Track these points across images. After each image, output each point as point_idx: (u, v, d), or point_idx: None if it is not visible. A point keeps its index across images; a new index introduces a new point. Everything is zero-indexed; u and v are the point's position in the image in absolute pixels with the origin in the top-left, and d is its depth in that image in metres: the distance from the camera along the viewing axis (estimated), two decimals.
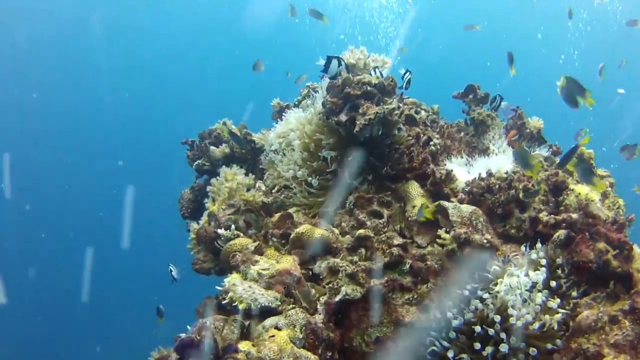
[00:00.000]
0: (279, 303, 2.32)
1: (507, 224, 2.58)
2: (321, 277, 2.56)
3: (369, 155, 2.90)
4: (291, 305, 2.33)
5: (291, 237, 2.62)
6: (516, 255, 2.43)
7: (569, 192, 2.60)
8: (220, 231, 2.74)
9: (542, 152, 3.30)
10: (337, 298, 2.40)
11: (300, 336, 2.19)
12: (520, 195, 2.53)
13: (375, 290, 2.43)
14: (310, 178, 2.92)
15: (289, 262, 2.53)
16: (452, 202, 2.87)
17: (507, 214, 2.58)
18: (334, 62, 2.98)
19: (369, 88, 2.83)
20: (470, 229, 2.48)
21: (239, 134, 3.77)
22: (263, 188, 3.32)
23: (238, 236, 2.75)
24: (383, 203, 2.80)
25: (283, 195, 3.15)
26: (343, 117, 2.84)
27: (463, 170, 3.07)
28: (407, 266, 2.49)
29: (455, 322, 2.28)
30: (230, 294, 2.31)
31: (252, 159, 3.97)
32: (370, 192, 2.85)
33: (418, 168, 3.00)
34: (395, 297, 2.45)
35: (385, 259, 2.50)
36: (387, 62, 3.69)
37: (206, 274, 3.11)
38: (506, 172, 2.72)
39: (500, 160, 3.02)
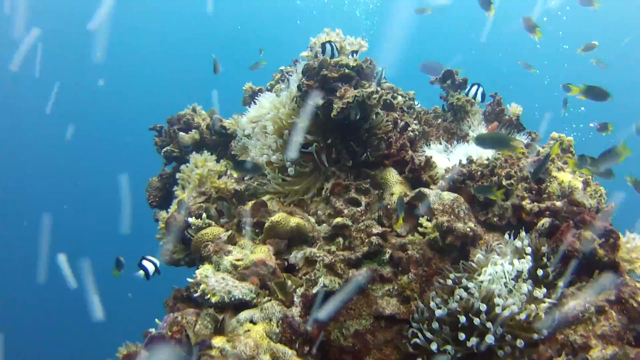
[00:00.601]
0: (254, 295, 2.19)
1: (489, 212, 2.51)
2: (297, 267, 2.45)
3: (348, 141, 2.78)
4: (267, 298, 2.20)
5: (266, 226, 2.49)
6: (500, 244, 2.37)
7: (551, 180, 2.54)
8: (191, 220, 2.58)
9: (521, 139, 3.24)
10: (315, 290, 2.28)
11: (277, 330, 2.07)
12: (504, 182, 2.46)
13: (354, 282, 2.33)
14: (288, 163, 2.79)
15: (263, 253, 2.40)
16: (432, 189, 2.79)
17: (489, 201, 2.51)
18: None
19: (346, 70, 2.71)
20: (452, 217, 2.40)
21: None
22: (235, 175, 3.17)
23: (209, 225, 2.61)
24: (361, 190, 2.69)
25: (256, 183, 3.00)
26: (319, 101, 2.71)
27: (442, 157, 2.99)
28: (387, 256, 2.39)
29: (439, 312, 2.19)
30: (202, 287, 2.17)
31: (223, 146, 3.81)
32: (347, 179, 2.74)
33: (396, 154, 2.90)
34: (375, 288, 2.35)
35: (364, 249, 2.40)
36: (364, 45, 3.57)
37: (175, 265, 2.95)
38: (487, 159, 2.64)
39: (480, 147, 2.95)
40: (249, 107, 3.47)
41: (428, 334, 2.22)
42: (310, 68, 2.78)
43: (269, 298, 2.21)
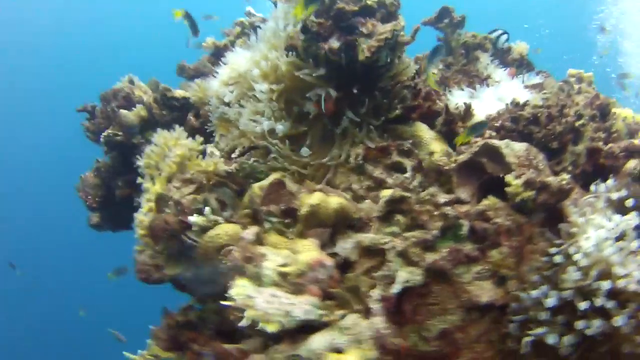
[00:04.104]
0: (322, 311, 1.56)
1: (562, 159, 2.09)
2: (352, 261, 1.84)
3: (371, 92, 2.19)
4: (341, 312, 1.58)
5: (302, 212, 1.84)
6: (590, 197, 1.95)
7: (615, 116, 2.18)
8: (193, 218, 1.85)
9: (532, 78, 2.88)
10: (396, 288, 1.70)
11: (374, 356, 1.47)
12: (576, 123, 2.04)
13: (437, 268, 1.79)
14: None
15: (311, 249, 1.76)
16: (471, 142, 2.31)
17: (562, 147, 2.08)
18: None
19: (368, 2, 2.09)
20: (531, 170, 1.93)
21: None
22: (217, 153, 2.43)
23: (217, 222, 1.89)
24: (403, 152, 2.13)
25: (253, 159, 2.30)
26: (335, 43, 2.08)
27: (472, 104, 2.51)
28: (465, 229, 1.87)
29: (549, 302, 1.73)
30: (249, 313, 1.49)
31: (178, 121, 3.00)
32: (382, 139, 2.16)
33: (422, 105, 2.37)
34: (459, 272, 1.83)
35: (437, 224, 1.85)
36: None
37: (158, 283, 2.19)
38: (542, 99, 2.21)
39: (511, 88, 2.52)
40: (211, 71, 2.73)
41: (538, 330, 1.76)
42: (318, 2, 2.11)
43: (344, 311, 1.59)
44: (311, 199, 1.85)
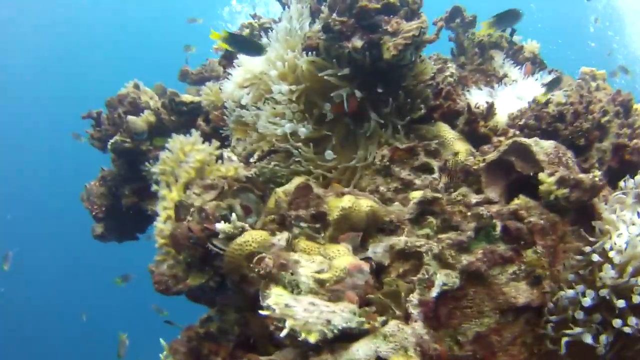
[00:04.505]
0: (361, 319, 1.50)
1: (588, 156, 2.06)
2: (384, 265, 1.79)
3: (394, 91, 2.14)
4: (382, 318, 1.53)
5: (335, 216, 1.78)
6: (619, 194, 1.93)
7: (638, 112, 2.17)
8: (220, 226, 1.78)
9: (546, 77, 2.86)
10: (435, 292, 1.65)
11: None
12: (602, 120, 2.02)
13: (473, 270, 1.74)
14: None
15: (346, 254, 1.70)
16: (494, 141, 2.29)
17: (588, 144, 2.06)
18: None
19: (391, 0, 2.05)
20: (561, 167, 1.90)
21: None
22: (234, 158, 2.37)
23: (243, 229, 1.82)
24: (430, 152, 2.09)
25: (273, 164, 2.25)
26: (358, 42, 2.03)
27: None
28: (498, 229, 1.83)
29: (586, 301, 1.70)
30: (290, 323, 1.42)
31: (185, 127, 2.94)
32: (408, 140, 2.12)
33: (443, 105, 2.33)
34: (495, 273, 1.78)
35: (470, 225, 1.81)
36: None
37: (178, 294, 2.11)
38: (565, 96, 2.19)
39: (529, 86, 2.50)
40: (223, 74, 2.67)
41: (574, 329, 1.73)
42: (339, 1, 2.07)
43: (384, 317, 1.53)
44: (342, 202, 1.79)
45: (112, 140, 2.79)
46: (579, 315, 1.74)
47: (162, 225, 1.99)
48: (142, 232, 3.36)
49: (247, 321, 2.08)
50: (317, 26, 2.33)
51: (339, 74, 2.02)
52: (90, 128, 3.01)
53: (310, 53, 2.19)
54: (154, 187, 2.23)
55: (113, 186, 2.96)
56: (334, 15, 2.04)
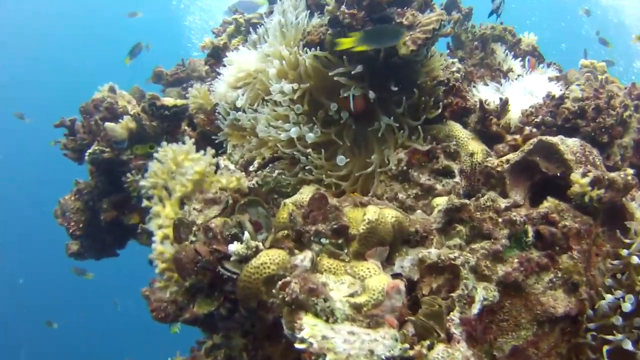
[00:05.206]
0: (405, 345, 1.35)
1: (611, 153, 1.98)
2: (415, 280, 1.64)
3: (410, 89, 1.99)
4: (427, 342, 1.38)
5: (361, 231, 1.61)
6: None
7: None
8: (233, 247, 1.58)
9: (546, 70, 2.78)
10: (477, 309, 1.52)
11: None
12: (625, 114, 1.93)
13: (511, 281, 1.62)
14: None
15: (378, 273, 1.54)
16: (508, 140, 2.18)
17: (611, 141, 1.97)
18: None
19: None
20: (591, 167, 1.80)
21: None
22: (231, 167, 2.16)
23: (257, 249, 1.63)
24: (449, 155, 1.95)
25: (277, 172, 2.06)
26: None
27: (497, 98, 2.37)
28: (531, 235, 1.71)
29: (626, 307, 1.62)
30: (330, 357, 1.25)
31: (168, 133, 2.71)
32: (425, 142, 1.97)
33: (453, 102, 2.21)
34: (531, 282, 1.67)
35: (503, 232, 1.69)
36: None
37: (185, 323, 1.91)
38: (582, 90, 2.09)
39: (537, 81, 2.40)
40: (210, 74, 2.45)
41: (616, 336, 1.63)
42: None
43: (429, 342, 1.38)
44: (367, 214, 1.63)
45: (89, 150, 2.52)
46: (618, 321, 1.65)
47: (161, 246, 1.77)
48: (122, 247, 3.10)
49: (256, 347, 1.90)
50: (317, 20, 2.16)
51: (352, 72, 1.85)
52: (64, 137, 2.72)
53: (311, 49, 2.01)
54: (145, 203, 2.00)
55: (90, 200, 2.69)
56: (343, 7, 1.87)
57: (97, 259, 3.00)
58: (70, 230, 2.67)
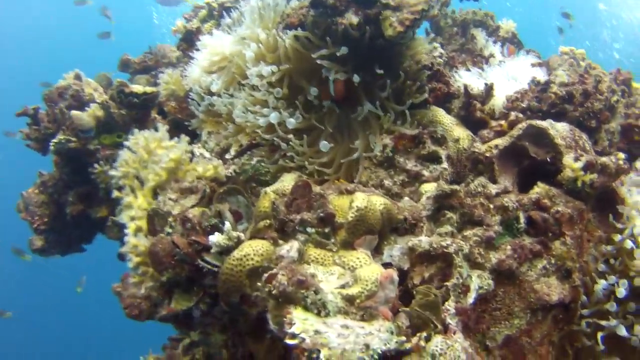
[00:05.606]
0: (401, 338, 1.28)
1: (598, 138, 1.95)
2: (405, 270, 1.57)
3: (396, 73, 1.91)
4: (424, 334, 1.31)
5: (350, 219, 1.53)
6: (635, 176, 1.83)
7: (638, 91, 2.09)
8: (214, 238, 1.47)
9: (526, 58, 2.75)
10: (472, 298, 1.46)
11: None
12: (612, 99, 1.91)
13: (504, 268, 1.57)
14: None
15: (369, 262, 1.46)
16: (493, 125, 2.14)
17: (598, 126, 1.94)
18: None
19: None
20: (581, 152, 1.77)
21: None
22: (207, 155, 2.05)
23: (240, 240, 1.53)
24: (436, 140, 1.89)
25: (256, 159, 1.96)
26: (353, 18, 1.78)
27: (481, 84, 2.33)
28: (523, 221, 1.67)
29: (621, 292, 1.59)
30: (324, 353, 1.17)
31: (137, 122, 2.56)
32: (411, 127, 1.90)
33: (436, 87, 2.14)
34: (524, 270, 1.62)
35: (495, 219, 1.63)
36: None
37: (161, 320, 1.78)
38: (568, 75, 2.06)
39: (520, 66, 2.37)
40: (182, 59, 2.32)
41: (611, 321, 1.61)
42: None
43: (426, 334, 1.31)
44: (357, 201, 1.54)
45: (54, 140, 2.35)
46: (612, 307, 1.63)
47: (135, 239, 1.64)
48: (89, 242, 2.94)
49: (237, 343, 1.80)
50: (296, 2, 2.06)
51: (337, 53, 1.76)
52: (26, 127, 2.53)
53: (293, 30, 1.91)
54: (115, 194, 1.86)
55: (55, 192, 2.53)
56: None
57: (63, 255, 2.83)
58: (35, 225, 2.50)
